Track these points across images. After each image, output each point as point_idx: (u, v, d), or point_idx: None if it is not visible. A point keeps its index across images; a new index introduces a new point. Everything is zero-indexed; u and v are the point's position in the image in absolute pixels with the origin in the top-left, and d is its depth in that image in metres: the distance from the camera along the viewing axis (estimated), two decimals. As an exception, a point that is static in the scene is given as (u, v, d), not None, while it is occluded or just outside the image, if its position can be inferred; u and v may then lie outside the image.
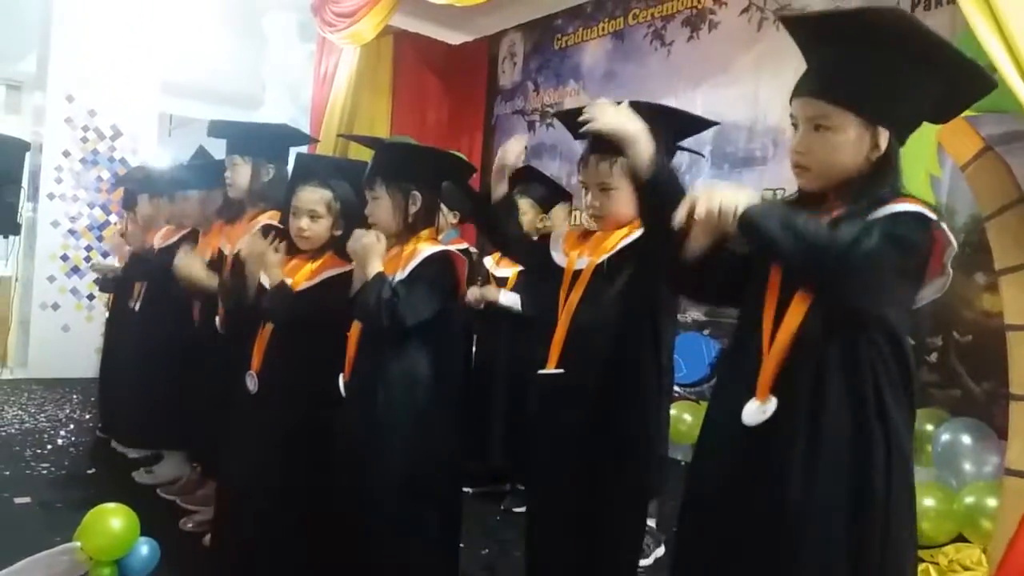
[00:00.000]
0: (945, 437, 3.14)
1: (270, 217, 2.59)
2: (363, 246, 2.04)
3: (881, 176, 1.38)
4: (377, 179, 2.15)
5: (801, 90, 1.43)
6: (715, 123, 2.29)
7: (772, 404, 1.35)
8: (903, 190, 1.38)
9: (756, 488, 1.35)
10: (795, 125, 1.45)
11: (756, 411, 1.36)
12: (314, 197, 2.33)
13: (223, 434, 2.45)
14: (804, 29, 1.46)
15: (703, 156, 3.85)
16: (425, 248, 2.11)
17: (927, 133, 3.53)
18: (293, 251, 2.39)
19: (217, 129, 2.80)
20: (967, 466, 3.06)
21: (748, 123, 4.35)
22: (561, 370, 1.88)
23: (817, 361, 1.33)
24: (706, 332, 4.34)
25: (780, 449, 1.33)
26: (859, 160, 1.37)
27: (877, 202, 1.33)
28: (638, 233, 1.86)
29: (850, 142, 1.36)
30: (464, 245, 2.93)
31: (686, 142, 2.06)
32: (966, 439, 3.11)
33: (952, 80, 1.36)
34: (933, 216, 1.31)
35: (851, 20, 1.36)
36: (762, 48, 4.42)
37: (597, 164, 1.91)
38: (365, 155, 2.32)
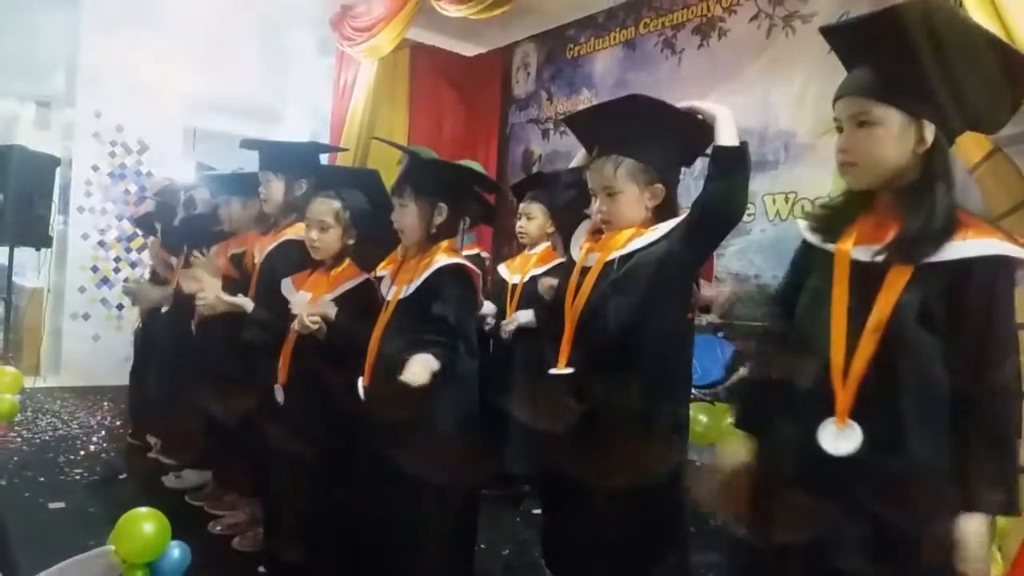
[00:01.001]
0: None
1: (295, 230, 2.66)
2: None
3: (930, 173, 1.37)
4: (407, 188, 2.23)
5: (842, 91, 1.46)
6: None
7: (856, 431, 1.35)
8: (958, 204, 1.36)
9: (856, 515, 1.33)
10: (840, 128, 1.46)
11: (839, 437, 1.36)
12: (323, 208, 2.41)
13: (250, 447, 2.52)
14: (842, 37, 1.50)
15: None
16: (440, 259, 2.18)
17: None
18: (313, 263, 2.47)
19: (249, 144, 2.88)
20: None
21: (759, 128, 4.38)
22: (571, 369, 1.85)
23: (898, 385, 1.33)
24: (720, 335, 4.37)
25: (874, 476, 1.32)
26: (905, 154, 1.37)
27: (941, 231, 1.33)
28: (650, 235, 1.84)
29: (893, 136, 1.37)
30: (476, 251, 2.98)
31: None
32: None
33: (996, 72, 1.34)
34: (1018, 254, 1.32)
35: (885, 18, 1.36)
36: (772, 54, 4.45)
37: (602, 168, 1.91)
38: (382, 163, 2.39)
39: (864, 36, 1.43)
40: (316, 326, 2.24)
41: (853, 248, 1.43)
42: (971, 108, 1.40)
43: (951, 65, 1.33)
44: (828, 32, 1.50)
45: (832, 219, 1.51)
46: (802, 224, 1.58)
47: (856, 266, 1.41)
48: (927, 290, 1.34)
